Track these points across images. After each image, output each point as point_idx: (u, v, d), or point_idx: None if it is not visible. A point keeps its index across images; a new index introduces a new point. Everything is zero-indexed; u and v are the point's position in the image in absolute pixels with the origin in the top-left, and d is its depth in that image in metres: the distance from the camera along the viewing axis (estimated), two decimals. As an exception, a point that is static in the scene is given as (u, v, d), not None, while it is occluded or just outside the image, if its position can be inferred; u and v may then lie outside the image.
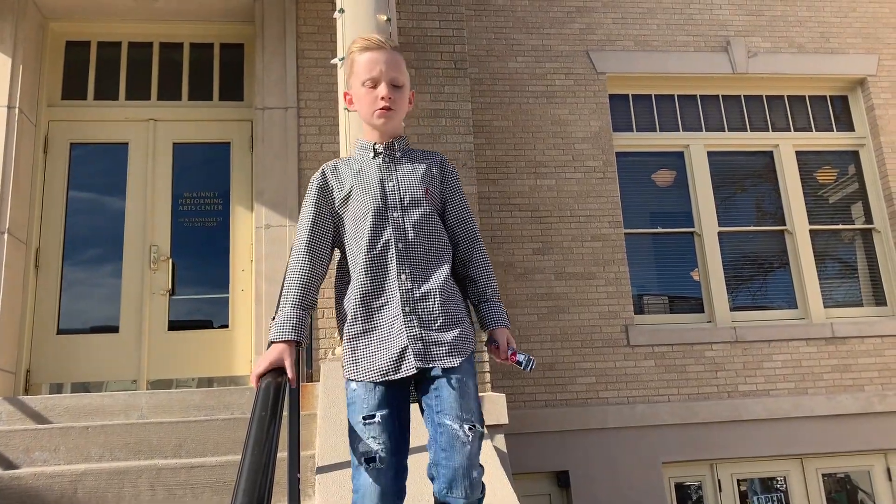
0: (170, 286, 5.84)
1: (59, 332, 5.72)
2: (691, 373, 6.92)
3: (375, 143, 2.26)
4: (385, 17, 4.54)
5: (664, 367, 6.90)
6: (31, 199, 5.76)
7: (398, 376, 2.03)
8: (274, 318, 2.10)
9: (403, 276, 2.10)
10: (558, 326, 6.84)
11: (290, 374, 2.00)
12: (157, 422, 3.89)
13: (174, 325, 5.82)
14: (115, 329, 5.75)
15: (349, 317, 2.12)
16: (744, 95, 7.97)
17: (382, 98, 2.19)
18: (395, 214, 2.16)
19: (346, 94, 2.34)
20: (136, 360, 5.69)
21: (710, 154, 7.77)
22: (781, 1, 8.08)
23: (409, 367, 2.02)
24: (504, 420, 4.86)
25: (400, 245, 2.13)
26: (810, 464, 6.89)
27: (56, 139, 6.05)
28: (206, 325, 5.87)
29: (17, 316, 5.49)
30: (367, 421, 2.00)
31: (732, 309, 7.32)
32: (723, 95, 7.94)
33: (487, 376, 5.50)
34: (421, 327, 2.06)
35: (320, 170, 2.26)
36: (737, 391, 6.92)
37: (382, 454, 1.96)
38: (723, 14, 7.95)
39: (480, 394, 5.06)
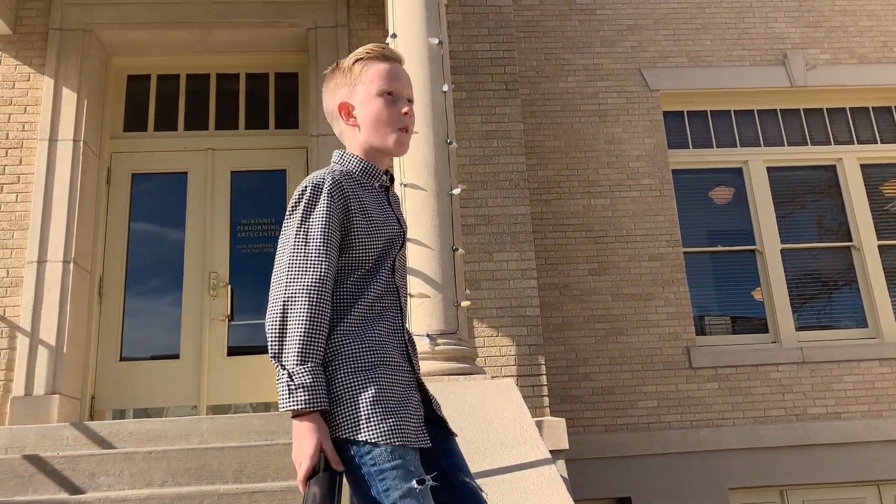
0: (229, 312, 5.91)
1: (122, 359, 5.83)
2: (757, 395, 6.68)
3: (381, 172, 1.93)
4: (437, 41, 4.56)
5: (728, 389, 6.68)
6: (95, 228, 5.92)
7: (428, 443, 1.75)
8: (288, 368, 1.63)
9: (405, 325, 1.89)
10: (617, 349, 6.70)
11: (332, 458, 1.63)
12: (218, 447, 3.90)
13: (233, 351, 5.88)
14: (175, 356, 5.83)
15: (379, 364, 1.73)
16: (803, 109, 7.77)
17: (406, 114, 1.88)
18: (401, 258, 1.92)
19: (342, 106, 1.92)
20: (195, 386, 5.75)
21: (769, 169, 7.57)
22: (841, 11, 7.88)
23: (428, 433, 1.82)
24: (564, 445, 4.75)
25: (404, 291, 1.93)
26: (888, 490, 6.56)
27: (118, 170, 6.22)
28: (264, 350, 5.92)
29: (82, 344, 5.61)
30: (421, 486, 1.66)
31: (798, 329, 7.07)
32: (781, 109, 7.75)
33: (546, 400, 5.41)
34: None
35: (332, 180, 1.78)
36: (806, 414, 6.66)
37: None
38: (779, 27, 7.78)
39: (539, 418, 4.97)
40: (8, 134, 5.73)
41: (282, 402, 1.62)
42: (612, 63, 7.50)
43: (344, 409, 1.66)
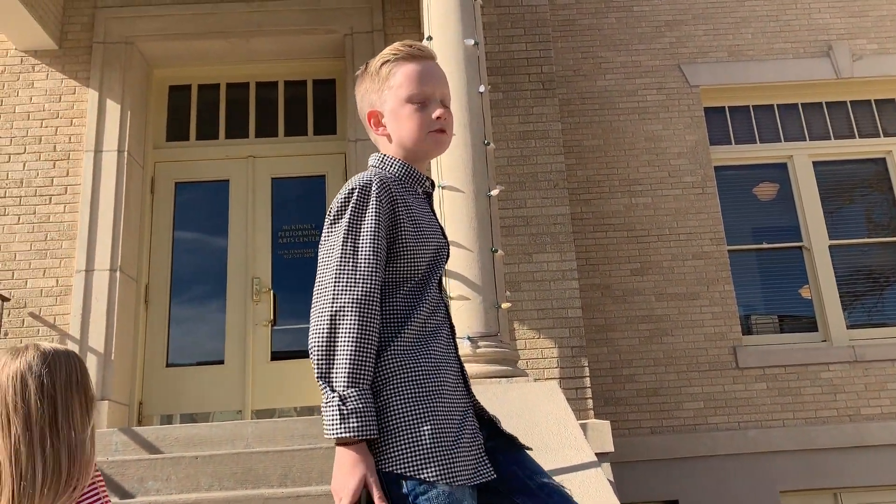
0: (272, 317, 5.97)
1: (168, 365, 5.92)
2: (807, 396, 6.51)
3: (425, 177, 1.79)
4: (473, 42, 4.54)
5: (777, 390, 6.53)
6: (140, 237, 6.03)
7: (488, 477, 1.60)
8: (338, 391, 1.47)
9: (457, 345, 1.69)
10: (661, 350, 6.59)
11: (378, 494, 1.47)
12: (263, 451, 3.93)
13: (276, 356, 5.93)
14: (220, 361, 5.91)
15: (437, 391, 1.56)
16: (850, 101, 7.56)
17: (439, 118, 1.72)
18: (443, 276, 1.85)
19: (371, 115, 1.78)
20: (240, 391, 5.82)
21: (815, 164, 7.38)
22: (888, 0, 7.66)
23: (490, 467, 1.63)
24: (609, 448, 4.68)
25: (448, 311, 1.77)
26: (947, 493, 6.34)
27: (162, 179, 6.32)
28: (306, 354, 5.95)
29: (130, 350, 5.72)
30: None
31: (849, 327, 6.87)
32: (826, 102, 7.56)
33: (590, 402, 5.35)
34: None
35: (380, 181, 1.63)
36: (859, 415, 6.47)
37: None
38: (822, 18, 7.60)
39: (583, 421, 4.91)
40: (55, 146, 5.87)
41: (329, 428, 1.46)
42: (651, 60, 7.40)
43: (398, 441, 1.49)
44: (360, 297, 1.51)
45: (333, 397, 1.46)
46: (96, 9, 6.16)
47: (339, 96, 6.52)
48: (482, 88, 4.51)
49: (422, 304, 1.63)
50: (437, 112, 1.72)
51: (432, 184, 1.83)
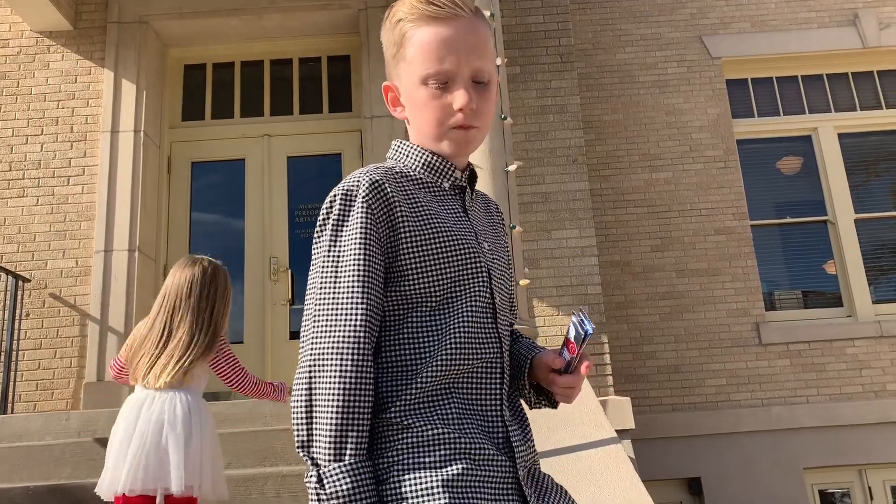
0: (290, 296, 5.96)
1: (188, 344, 5.94)
2: (832, 372, 6.42)
3: (455, 168, 1.35)
4: (489, 13, 4.45)
5: (801, 366, 6.43)
6: (158, 217, 6.03)
7: None
8: (319, 466, 1.13)
9: (509, 414, 1.27)
10: (682, 326, 6.51)
11: None
12: (281, 429, 3.94)
13: (295, 335, 5.93)
14: (239, 341, 5.92)
15: (456, 458, 1.17)
16: (877, 71, 7.37)
17: (461, 109, 1.27)
18: (497, 299, 1.30)
19: (386, 90, 1.39)
20: (259, 369, 5.83)
21: (840, 136, 7.22)
22: (916, -35, 7.43)
23: None
24: (630, 425, 4.65)
25: (505, 358, 1.30)
26: (976, 469, 6.24)
27: (178, 159, 6.31)
28: (324, 333, 5.96)
29: (150, 330, 5.74)
30: None
31: (875, 302, 6.75)
32: (852, 73, 7.37)
33: (610, 379, 5.30)
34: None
35: (370, 182, 1.24)
36: (885, 390, 6.37)
37: None
38: (848, -15, 7.39)
39: (604, 398, 4.87)
40: (72, 127, 5.87)
41: None
42: (671, 31, 7.25)
43: None
44: (342, 338, 1.15)
45: (312, 475, 1.13)
46: (110, -12, 6.13)
47: (353, 73, 6.46)
48: (499, 62, 4.43)
49: (442, 341, 1.21)
50: (461, 100, 1.27)
51: (471, 174, 1.40)
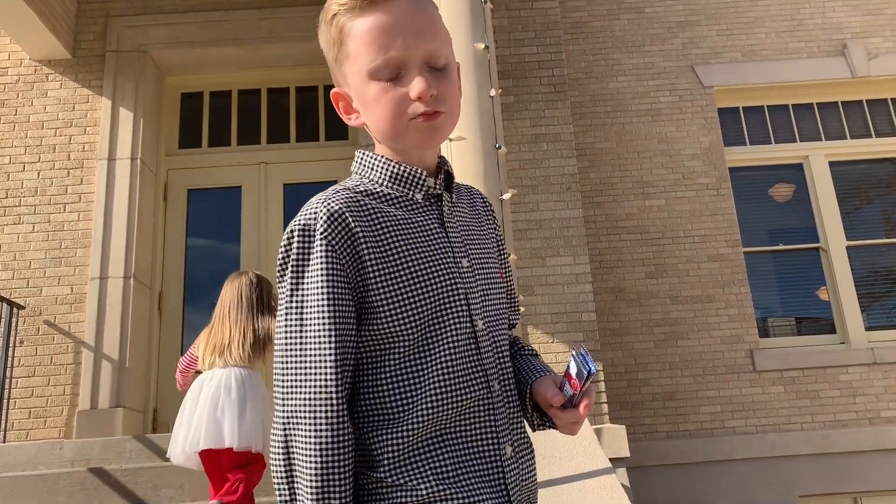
0: (284, 323, 5.96)
1: (183, 371, 5.93)
2: (826, 398, 6.43)
3: (424, 175, 1.21)
4: (483, 46, 4.52)
5: (795, 392, 6.45)
6: (154, 244, 6.05)
7: None
8: None
9: (510, 449, 1.18)
10: (677, 353, 6.53)
11: None
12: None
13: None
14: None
15: None
16: (866, 100, 7.47)
17: (420, 98, 1.13)
18: (479, 325, 1.19)
19: (337, 97, 1.26)
20: (254, 397, 5.81)
21: (831, 164, 7.30)
22: (903, -3, 7.57)
23: None
24: (625, 453, 4.65)
25: (495, 389, 1.19)
26: (971, 497, 6.23)
27: (174, 186, 6.34)
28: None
29: (144, 357, 5.73)
30: None
31: (868, 328, 6.78)
32: (842, 102, 7.47)
33: (605, 407, 5.30)
34: None
35: (328, 214, 1.12)
36: (879, 417, 6.38)
37: None
38: (836, 17, 7.51)
39: (599, 426, 4.87)
40: (69, 155, 5.90)
41: None
42: (664, 61, 7.35)
43: None
44: (313, 396, 1.06)
45: None
46: (109, 17, 6.20)
47: (350, 102, 6.52)
48: (493, 92, 4.48)
49: (423, 385, 1.11)
50: (418, 87, 1.12)
51: (447, 177, 1.25)
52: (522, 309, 4.34)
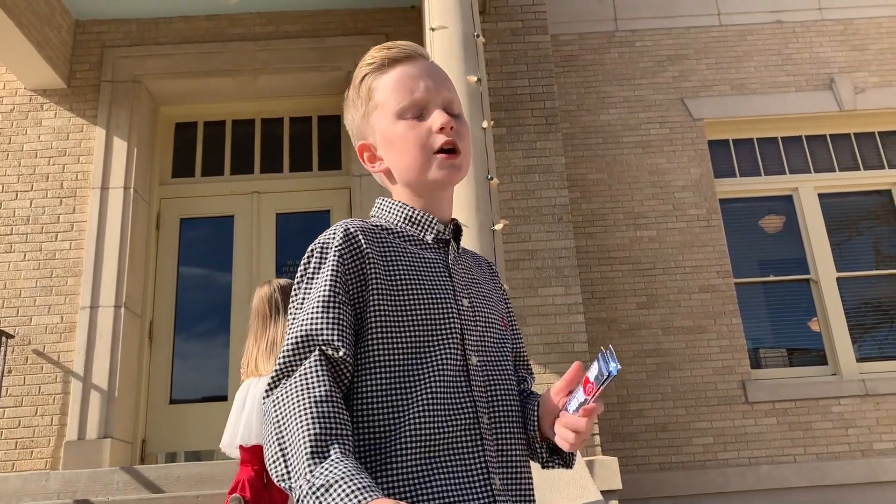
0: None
1: (172, 401, 5.88)
2: (818, 430, 6.42)
3: (436, 220, 1.32)
4: (475, 79, 4.57)
5: (788, 424, 6.43)
6: (145, 273, 6.03)
7: None
8: (302, 478, 1.02)
9: (498, 481, 1.18)
10: (669, 384, 6.52)
11: None
12: (265, 490, 3.87)
13: (280, 392, 5.88)
14: (224, 397, 5.86)
15: None
16: (854, 133, 7.57)
17: (442, 129, 1.27)
18: (473, 360, 1.23)
19: (363, 149, 1.37)
20: (244, 428, 5.76)
21: (821, 196, 7.37)
22: (888, 33, 7.71)
23: None
24: (617, 485, 4.62)
25: (484, 421, 1.21)
26: (965, 530, 6.20)
27: (167, 215, 6.35)
28: (310, 391, 5.91)
29: (134, 387, 5.68)
30: None
31: (859, 360, 6.79)
32: (830, 135, 7.56)
33: (597, 439, 5.27)
34: None
35: (345, 233, 1.22)
36: (872, 450, 6.36)
37: None
38: (824, 51, 7.64)
39: (591, 458, 4.85)
40: (62, 183, 5.91)
41: None
42: (654, 94, 7.44)
43: None
44: (313, 397, 1.08)
45: (299, 489, 1.01)
46: (105, 48, 6.25)
47: (343, 132, 6.57)
48: (485, 124, 4.53)
49: (409, 410, 1.13)
50: (440, 121, 1.27)
51: (456, 228, 1.35)
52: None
